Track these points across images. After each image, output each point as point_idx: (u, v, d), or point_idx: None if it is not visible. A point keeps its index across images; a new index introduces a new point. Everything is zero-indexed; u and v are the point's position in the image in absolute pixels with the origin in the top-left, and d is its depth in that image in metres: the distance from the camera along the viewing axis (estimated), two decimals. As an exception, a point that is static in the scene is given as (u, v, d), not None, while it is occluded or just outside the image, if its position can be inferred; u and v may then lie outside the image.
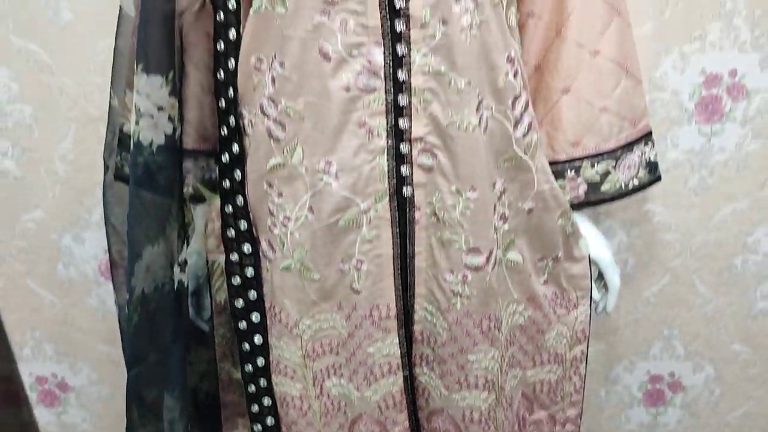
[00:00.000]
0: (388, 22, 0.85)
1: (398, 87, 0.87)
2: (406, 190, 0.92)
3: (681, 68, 1.21)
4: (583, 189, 1.04)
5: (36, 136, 1.29)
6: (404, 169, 0.91)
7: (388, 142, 0.90)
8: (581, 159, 1.03)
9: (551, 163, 1.02)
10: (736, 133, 1.26)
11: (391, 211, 0.93)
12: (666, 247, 1.36)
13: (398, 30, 0.85)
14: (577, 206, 1.04)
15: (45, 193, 1.33)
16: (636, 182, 1.06)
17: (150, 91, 0.92)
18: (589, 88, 1.01)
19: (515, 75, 0.93)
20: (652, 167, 1.07)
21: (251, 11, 0.90)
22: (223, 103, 0.95)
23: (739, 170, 1.29)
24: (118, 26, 0.99)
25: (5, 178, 1.32)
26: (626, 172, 1.05)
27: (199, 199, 1.05)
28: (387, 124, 0.89)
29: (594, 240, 1.07)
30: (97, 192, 1.25)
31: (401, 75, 0.87)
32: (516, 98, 0.94)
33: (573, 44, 1.00)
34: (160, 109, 0.93)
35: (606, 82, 1.01)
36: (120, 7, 0.98)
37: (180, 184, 1.00)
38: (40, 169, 1.31)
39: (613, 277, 1.08)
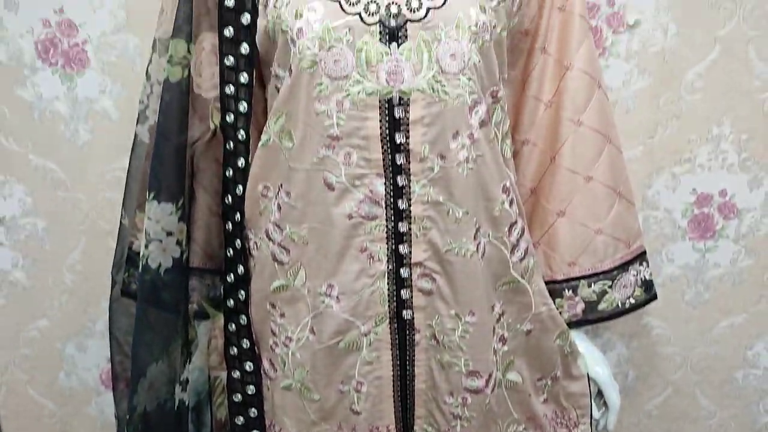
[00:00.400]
0: (390, 156, 0.89)
1: (398, 215, 0.91)
2: (406, 313, 0.94)
3: (673, 188, 1.26)
4: (580, 308, 1.06)
5: (47, 248, 1.32)
6: (404, 293, 0.94)
7: (388, 267, 0.92)
8: (578, 279, 1.06)
9: (549, 282, 1.05)
10: (729, 250, 1.29)
11: (391, 333, 0.95)
12: (666, 360, 1.36)
13: (399, 163, 0.89)
14: (575, 324, 1.06)
15: (51, 302, 1.35)
16: (632, 301, 1.08)
17: (160, 217, 0.96)
18: (584, 211, 1.04)
19: (511, 204, 0.97)
20: (648, 286, 1.09)
21: (260, 144, 0.95)
22: (230, 226, 0.99)
23: (735, 285, 1.31)
24: (132, 151, 1.05)
25: (14, 287, 1.34)
26: (622, 291, 1.07)
27: (203, 316, 1.06)
28: (387, 249, 0.92)
29: (592, 358, 1.08)
30: (103, 302, 1.27)
31: (401, 204, 0.90)
32: (512, 225, 0.97)
33: (567, 170, 1.04)
34: (169, 234, 0.97)
35: (600, 205, 1.05)
36: (135, 134, 1.03)
37: (186, 301, 1.03)
38: (49, 279, 1.34)
39: (612, 395, 1.08)
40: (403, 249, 0.92)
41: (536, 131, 1.05)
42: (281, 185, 0.93)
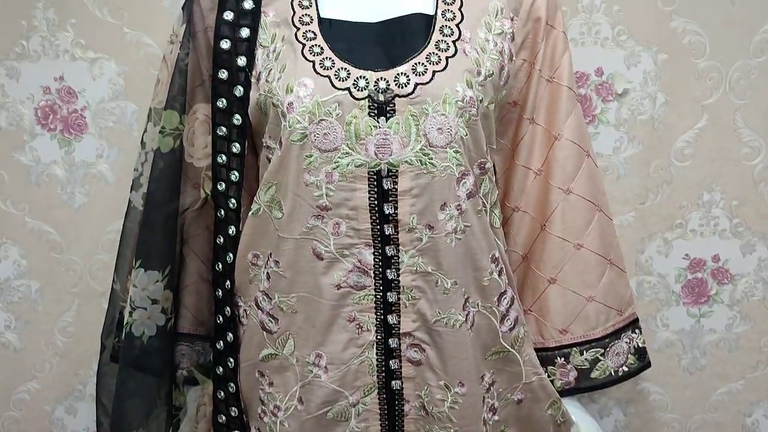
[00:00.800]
0: (378, 227, 0.89)
1: (387, 285, 0.91)
2: (395, 384, 0.93)
3: (665, 253, 1.26)
4: (573, 375, 1.05)
5: (39, 309, 1.32)
6: (393, 363, 0.93)
7: (377, 337, 0.92)
8: (570, 346, 1.05)
9: (541, 350, 1.04)
10: (724, 315, 1.28)
11: (379, 404, 0.94)
12: (664, 427, 1.34)
13: (387, 233, 0.90)
14: (568, 392, 1.05)
15: (42, 364, 1.35)
16: (626, 369, 1.07)
17: (146, 285, 0.97)
18: (575, 278, 1.04)
19: (500, 273, 0.97)
20: (641, 354, 1.08)
21: (250, 213, 0.96)
22: (220, 293, 1.00)
23: (731, 351, 1.30)
24: (126, 217, 1.06)
25: (5, 350, 1.34)
26: (615, 359, 1.06)
27: (193, 382, 1.06)
28: (376, 319, 0.92)
29: (586, 427, 1.06)
30: (94, 365, 1.25)
31: (390, 274, 0.91)
32: (501, 294, 0.97)
33: (557, 238, 1.04)
34: (154, 302, 0.98)
35: (591, 273, 1.05)
36: (129, 200, 1.04)
37: (171, 368, 1.03)
38: (41, 341, 1.34)
39: None
40: (391, 319, 0.92)
41: (526, 199, 1.06)
42: (270, 254, 0.94)
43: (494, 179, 1.01)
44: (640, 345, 1.08)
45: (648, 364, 1.09)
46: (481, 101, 0.92)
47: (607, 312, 1.05)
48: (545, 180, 1.04)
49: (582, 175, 1.04)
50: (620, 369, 1.07)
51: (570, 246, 1.04)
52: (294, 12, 0.94)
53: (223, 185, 0.97)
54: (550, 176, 1.04)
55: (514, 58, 0.99)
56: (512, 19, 0.98)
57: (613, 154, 1.23)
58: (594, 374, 1.05)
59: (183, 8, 0.99)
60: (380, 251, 0.90)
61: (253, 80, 0.94)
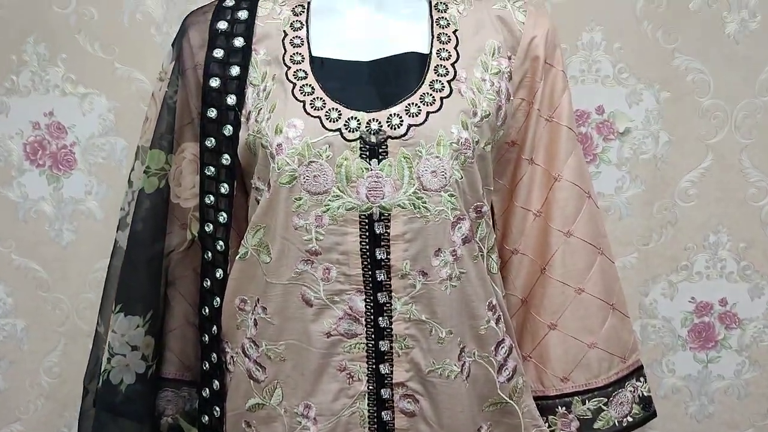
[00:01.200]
0: (370, 272, 0.87)
1: (379, 333, 0.88)
2: (387, 436, 0.90)
3: (671, 296, 1.24)
4: (575, 426, 1.01)
5: (25, 349, 1.29)
6: (385, 415, 0.89)
7: (368, 387, 0.89)
8: (571, 395, 1.01)
9: (541, 398, 1.01)
10: (733, 361, 1.25)
11: (371, 457, 0.90)
12: (673, 476, 1.29)
13: (379, 279, 0.87)
14: (571, 443, 1.01)
15: (27, 406, 1.31)
16: (630, 419, 1.03)
17: (125, 331, 0.94)
18: (577, 324, 1.01)
19: (497, 321, 0.94)
20: (646, 403, 1.05)
21: (237, 257, 0.93)
22: (206, 338, 0.97)
23: (740, 398, 1.26)
24: (111, 257, 1.03)
25: (-11, 390, 1.31)
26: (619, 408, 1.03)
27: (178, 430, 1.02)
28: (368, 368, 0.88)
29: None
30: (80, 407, 1.23)
31: (382, 322, 0.88)
32: (499, 344, 0.94)
33: (558, 282, 1.01)
34: (134, 348, 0.95)
35: (593, 318, 1.02)
36: (115, 240, 1.02)
37: (151, 415, 1.00)
38: (25, 381, 1.31)
39: None
40: (384, 368, 0.88)
41: (525, 241, 1.03)
42: (258, 300, 0.91)
43: (491, 222, 0.98)
44: (645, 394, 1.04)
45: (654, 414, 1.06)
46: (477, 143, 0.90)
47: (610, 359, 1.02)
48: (545, 222, 1.01)
49: (583, 217, 1.01)
50: (624, 419, 1.03)
51: (571, 290, 1.01)
52: (285, 50, 0.92)
53: (211, 226, 0.95)
54: (549, 218, 1.01)
55: (511, 98, 0.97)
56: (510, 58, 0.96)
57: (615, 193, 1.21)
58: (597, 425, 1.01)
59: (173, 45, 0.97)
60: (372, 298, 0.87)
61: (242, 119, 0.92)
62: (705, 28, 1.15)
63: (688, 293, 1.24)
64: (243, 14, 0.94)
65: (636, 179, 1.20)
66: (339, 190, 0.85)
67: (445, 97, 0.88)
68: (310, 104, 0.87)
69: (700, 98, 1.17)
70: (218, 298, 0.95)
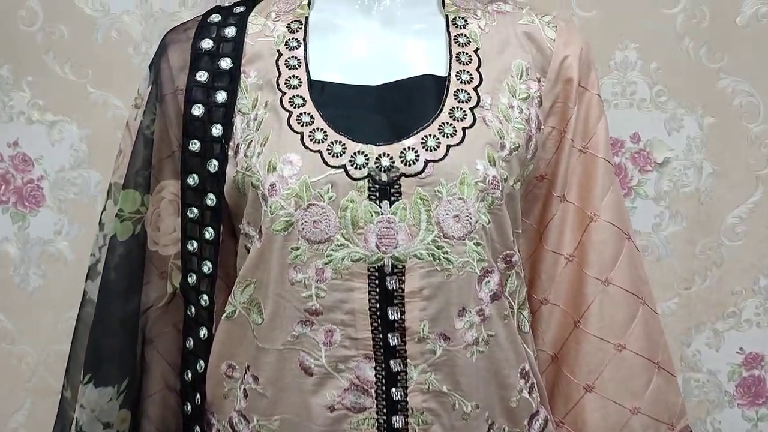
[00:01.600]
0: (381, 335, 0.77)
1: (392, 407, 0.77)
2: None
3: (716, 346, 1.17)
4: (616, 506, 0.90)
5: (-12, 410, 1.22)
6: (399, 504, 0.78)
7: (380, 471, 0.78)
8: (612, 467, 0.91)
9: (576, 471, 0.89)
10: (785, 419, 1.16)
11: None
12: None
13: (392, 344, 0.76)
14: None
15: (-11, 472, 1.21)
16: (679, 492, 0.93)
17: (96, 405, 0.84)
18: (617, 386, 0.91)
19: (531, 390, 0.83)
20: (697, 475, 0.93)
21: (224, 316, 0.83)
22: (188, 407, 0.87)
23: (797, 462, 1.17)
24: (80, 309, 0.92)
25: (-53, 457, 1.21)
26: (666, 481, 0.92)
27: None
28: (379, 449, 0.78)
29: None
30: (48, 475, 1.13)
31: (396, 394, 0.77)
32: (533, 416, 0.83)
33: (595, 337, 0.91)
34: (106, 426, 0.85)
35: (636, 379, 0.91)
36: (84, 291, 0.91)
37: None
38: (-13, 445, 1.21)
39: None
40: (398, 449, 0.77)
41: (556, 289, 0.92)
42: (248, 367, 0.80)
43: (522, 273, 0.87)
44: (694, 463, 0.93)
45: (705, 485, 0.94)
46: (505, 180, 0.80)
47: (656, 427, 0.91)
48: (579, 268, 0.91)
49: (622, 262, 0.91)
50: (672, 492, 0.92)
51: (610, 347, 0.90)
52: (280, 73, 0.82)
53: (194, 277, 0.85)
54: (584, 264, 0.90)
55: (542, 126, 0.86)
56: (539, 80, 0.86)
57: (652, 231, 1.14)
58: (640, 504, 0.90)
59: (150, 66, 0.88)
60: (383, 366, 0.77)
61: (230, 153, 0.82)
62: (754, 44, 1.09)
63: (736, 343, 1.16)
64: (231, 31, 0.85)
65: (676, 215, 1.14)
66: (344, 238, 0.75)
67: (468, 127, 0.78)
68: (309, 136, 0.77)
69: (748, 124, 1.11)
70: (202, 362, 0.85)
